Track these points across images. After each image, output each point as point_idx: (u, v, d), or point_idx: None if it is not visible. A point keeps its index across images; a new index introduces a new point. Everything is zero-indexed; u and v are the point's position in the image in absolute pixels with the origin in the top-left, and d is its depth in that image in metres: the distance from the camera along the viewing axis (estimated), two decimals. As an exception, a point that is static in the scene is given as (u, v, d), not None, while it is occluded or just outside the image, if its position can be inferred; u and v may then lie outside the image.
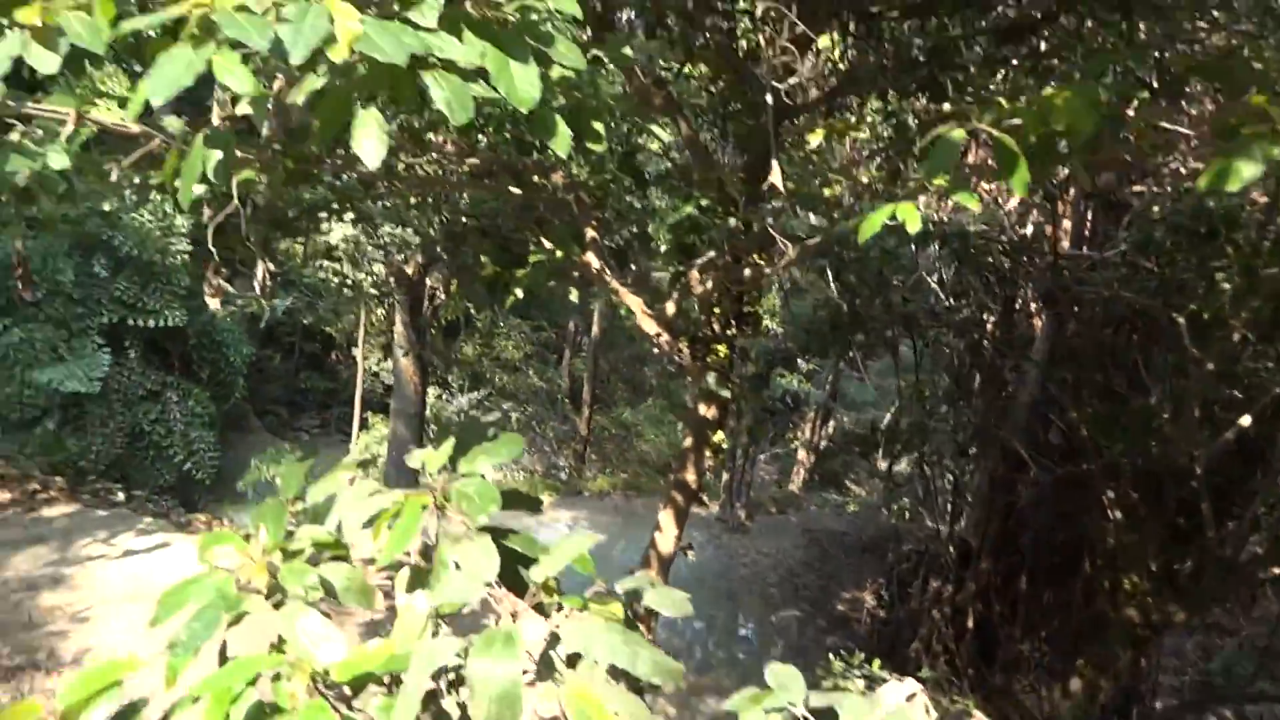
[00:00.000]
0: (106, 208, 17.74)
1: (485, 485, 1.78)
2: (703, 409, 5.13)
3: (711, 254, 4.82)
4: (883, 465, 22.58)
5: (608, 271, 4.80)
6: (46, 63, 1.81)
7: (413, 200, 6.98)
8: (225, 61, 1.76)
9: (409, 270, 16.69)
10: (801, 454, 18.66)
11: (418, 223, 9.40)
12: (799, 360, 15.07)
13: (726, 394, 5.12)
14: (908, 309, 9.35)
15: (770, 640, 11.79)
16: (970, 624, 10.19)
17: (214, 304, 3.35)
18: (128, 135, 2.69)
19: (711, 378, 5.01)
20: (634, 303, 4.93)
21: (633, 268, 5.31)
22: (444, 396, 20.60)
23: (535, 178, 4.91)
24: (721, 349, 5.03)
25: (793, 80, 4.32)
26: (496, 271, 7.18)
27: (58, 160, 2.61)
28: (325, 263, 19.69)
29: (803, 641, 12.68)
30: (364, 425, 20.59)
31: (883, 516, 20.44)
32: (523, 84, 1.84)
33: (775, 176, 3.84)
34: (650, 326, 4.96)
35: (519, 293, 7.43)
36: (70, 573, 5.47)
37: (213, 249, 3.27)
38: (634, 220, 5.40)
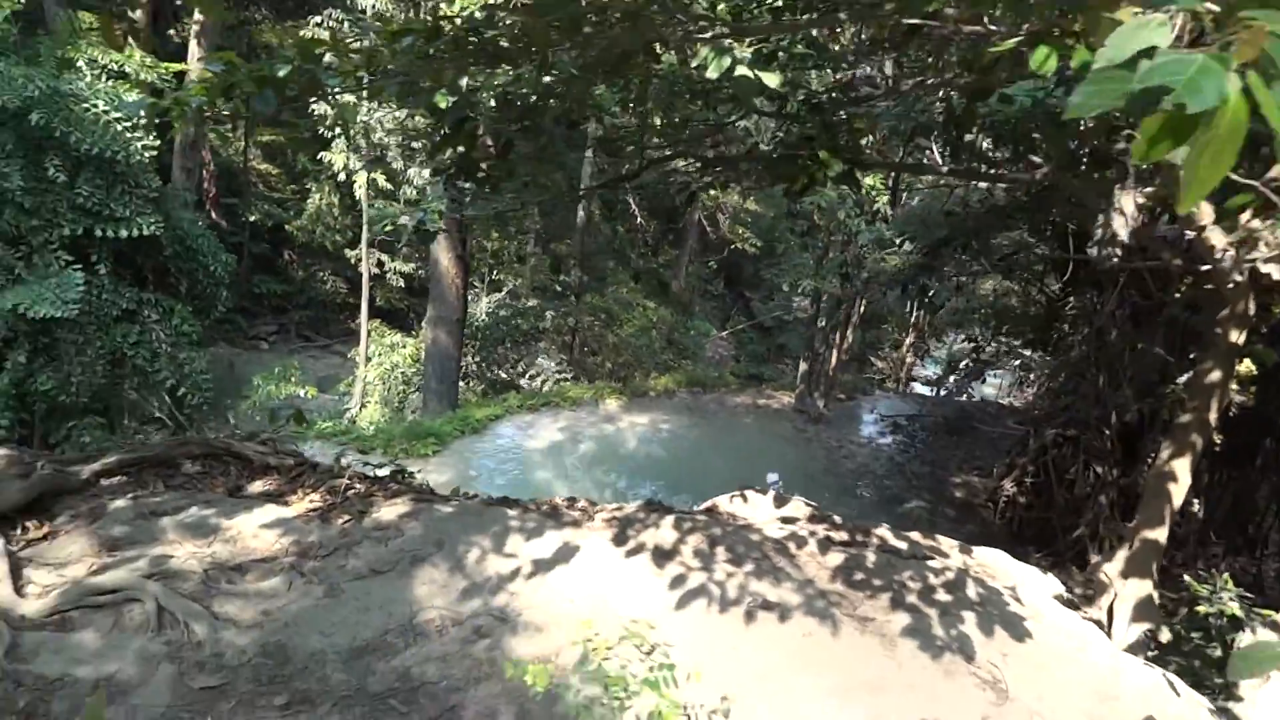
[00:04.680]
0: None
1: None
2: (1235, 335, 4.40)
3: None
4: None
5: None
6: None
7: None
8: None
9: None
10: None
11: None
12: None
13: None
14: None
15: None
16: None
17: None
18: None
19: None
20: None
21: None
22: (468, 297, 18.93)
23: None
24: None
25: None
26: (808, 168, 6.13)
27: None
28: (325, 156, 17.21)
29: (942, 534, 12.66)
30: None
31: (951, 397, 20.58)
32: None
33: None
34: (1218, 239, 4.12)
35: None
36: (521, 609, 4.32)
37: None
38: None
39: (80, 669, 3.53)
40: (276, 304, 26.04)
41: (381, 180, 17.61)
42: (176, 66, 18.24)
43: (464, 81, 4.66)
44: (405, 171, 16.88)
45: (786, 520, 5.30)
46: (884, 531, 5.32)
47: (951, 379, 18.16)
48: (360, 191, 16.90)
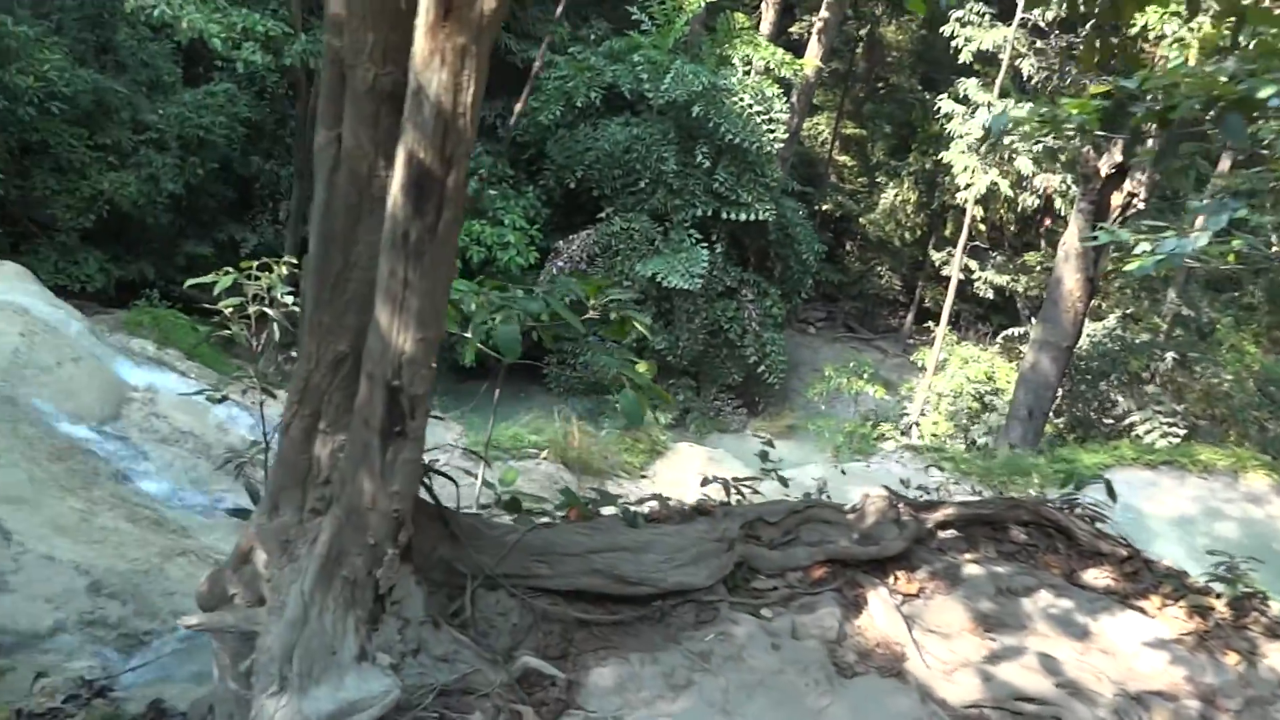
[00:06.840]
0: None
1: None
2: None
3: None
4: None
5: None
6: None
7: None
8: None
9: (1101, 168, 13.06)
10: None
11: None
12: None
13: None
14: None
15: None
16: None
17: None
18: None
19: None
20: None
21: None
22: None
23: None
24: None
25: None
26: None
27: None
28: (943, 155, 16.68)
29: None
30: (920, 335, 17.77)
31: None
32: None
33: None
34: None
35: None
36: None
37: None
38: None
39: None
40: (830, 292, 26.61)
41: (1005, 186, 16.44)
42: (804, 62, 19.09)
43: None
44: (1032, 179, 15.51)
45: None
46: None
47: None
48: (972, 193, 15.96)
